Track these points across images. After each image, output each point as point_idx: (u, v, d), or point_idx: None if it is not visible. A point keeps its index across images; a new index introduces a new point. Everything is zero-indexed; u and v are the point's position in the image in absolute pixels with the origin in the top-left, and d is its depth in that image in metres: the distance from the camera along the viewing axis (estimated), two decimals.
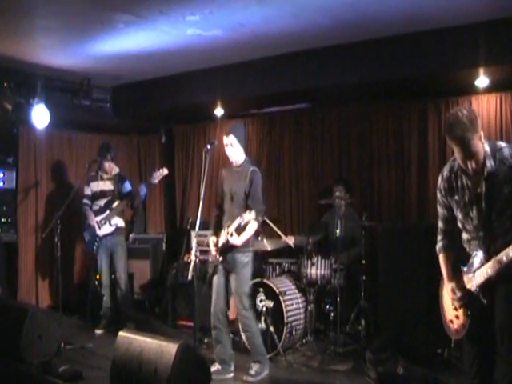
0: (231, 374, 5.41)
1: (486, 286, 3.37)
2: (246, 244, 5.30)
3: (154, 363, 4.21)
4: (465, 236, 3.58)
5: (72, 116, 7.89)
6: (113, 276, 7.02)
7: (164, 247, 8.67)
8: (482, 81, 5.91)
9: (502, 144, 3.40)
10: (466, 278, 3.53)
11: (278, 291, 5.98)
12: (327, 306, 6.33)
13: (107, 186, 7.03)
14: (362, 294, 6.39)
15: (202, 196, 5.29)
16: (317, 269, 6.30)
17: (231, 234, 5.13)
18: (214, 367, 5.32)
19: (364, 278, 6.43)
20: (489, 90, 6.27)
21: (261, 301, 6.08)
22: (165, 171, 6.79)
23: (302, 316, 6.18)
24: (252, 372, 5.30)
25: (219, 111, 7.55)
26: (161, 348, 4.25)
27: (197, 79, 7.22)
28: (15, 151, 7.83)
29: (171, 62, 6.79)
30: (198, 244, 5.36)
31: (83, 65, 6.80)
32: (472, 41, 5.35)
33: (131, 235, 8.63)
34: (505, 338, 3.29)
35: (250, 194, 5.28)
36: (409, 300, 5.77)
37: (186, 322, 7.13)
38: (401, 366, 5.07)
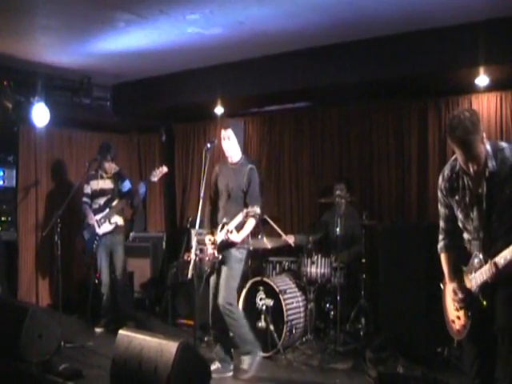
0: (231, 373, 5.40)
1: (486, 287, 3.36)
2: (242, 241, 5.31)
3: (154, 362, 4.21)
4: (466, 236, 3.57)
5: (72, 114, 7.90)
6: (112, 275, 7.02)
7: (164, 246, 8.67)
8: (482, 80, 5.91)
9: (504, 144, 3.38)
10: (466, 279, 3.52)
11: (278, 290, 5.98)
12: (327, 305, 6.33)
13: (107, 184, 7.03)
14: (362, 292, 6.40)
15: (202, 195, 5.28)
16: (317, 267, 6.31)
17: (231, 232, 5.12)
18: (214, 365, 5.32)
19: (364, 276, 6.44)
20: (489, 88, 6.27)
21: (261, 299, 6.08)
22: (164, 169, 6.80)
23: (302, 315, 6.18)
24: (245, 366, 5.26)
25: (219, 110, 7.55)
26: (161, 346, 4.26)
27: (197, 78, 7.22)
28: (15, 150, 7.83)
29: (171, 60, 6.79)
30: (198, 242, 5.35)
31: (83, 63, 6.81)
32: (472, 40, 5.35)
33: (131, 233, 8.64)
34: (505, 339, 3.29)
35: (248, 192, 5.27)
36: (409, 299, 5.77)
37: (185, 320, 7.13)
38: (401, 365, 5.08)
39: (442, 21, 5.38)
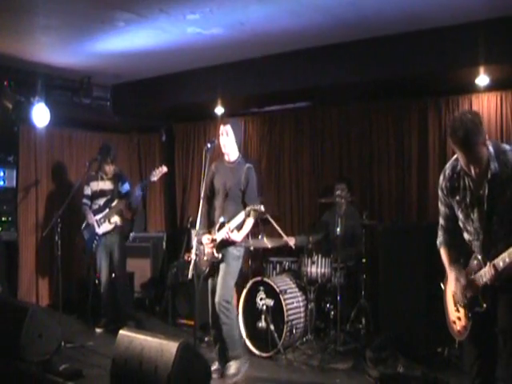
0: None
1: (486, 289, 3.36)
2: (241, 240, 5.30)
3: (154, 362, 4.21)
4: (466, 236, 3.56)
5: (72, 114, 7.90)
6: (112, 275, 7.02)
7: (164, 246, 8.67)
8: (483, 79, 5.91)
9: (507, 147, 3.35)
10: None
11: (278, 290, 5.98)
12: (327, 305, 6.33)
13: (107, 185, 7.03)
14: (363, 292, 6.41)
15: (202, 195, 5.28)
16: (317, 267, 6.31)
17: (232, 231, 5.12)
18: (214, 366, 5.31)
19: (364, 276, 6.44)
20: (489, 88, 6.27)
21: (261, 299, 6.08)
22: (164, 169, 6.80)
23: (302, 314, 6.18)
24: (233, 371, 5.21)
25: (219, 110, 7.56)
26: (161, 346, 4.25)
27: (197, 78, 7.22)
28: (16, 150, 7.83)
29: (171, 60, 6.79)
30: (199, 243, 5.34)
31: (83, 63, 6.80)
32: (472, 40, 5.35)
33: (131, 234, 8.64)
34: (507, 342, 3.28)
35: (246, 192, 5.26)
36: (409, 299, 5.77)
37: (186, 320, 7.14)
38: (401, 364, 5.07)
39: (442, 21, 5.38)
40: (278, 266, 6.91)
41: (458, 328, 3.60)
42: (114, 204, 6.91)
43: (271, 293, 6.02)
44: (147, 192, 9.35)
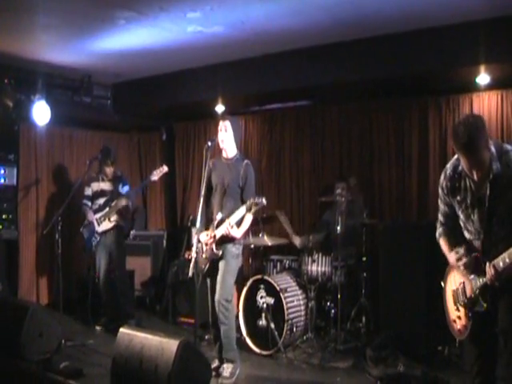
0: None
1: (486, 289, 3.35)
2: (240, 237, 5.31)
3: (154, 360, 4.21)
4: (467, 235, 3.56)
5: (73, 113, 7.90)
6: (112, 273, 7.01)
7: (165, 244, 8.67)
8: (483, 78, 5.91)
9: (509, 147, 3.34)
10: (466, 280, 3.51)
11: (278, 288, 5.98)
12: (328, 303, 6.34)
13: (107, 186, 7.05)
14: (363, 291, 6.41)
15: (202, 193, 5.28)
16: (318, 266, 6.31)
17: (232, 226, 5.11)
18: (214, 364, 5.32)
19: (365, 275, 6.45)
20: (490, 87, 6.27)
21: (261, 297, 6.08)
22: (165, 168, 6.80)
23: (302, 313, 6.18)
24: (227, 374, 5.20)
25: (220, 108, 7.55)
26: (161, 345, 4.26)
27: (197, 76, 7.22)
28: (16, 148, 7.82)
29: (172, 59, 6.79)
30: (198, 241, 5.33)
31: (84, 62, 6.80)
32: (473, 38, 5.34)
33: (132, 232, 8.63)
34: (508, 342, 3.28)
35: (245, 188, 5.26)
36: (409, 297, 5.77)
37: (186, 318, 7.14)
38: (401, 363, 5.07)
39: (443, 19, 5.37)
40: (278, 264, 6.92)
41: (458, 327, 3.60)
42: (113, 203, 6.91)
43: (272, 291, 6.03)
44: (147, 191, 9.35)
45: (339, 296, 6.07)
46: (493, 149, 3.27)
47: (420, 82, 6.56)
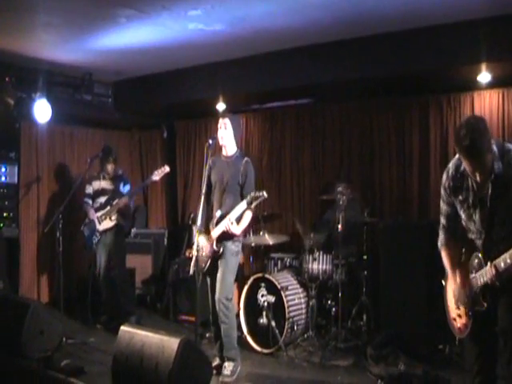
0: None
1: (486, 288, 3.35)
2: (239, 234, 5.31)
3: (155, 358, 4.22)
4: (469, 235, 3.55)
5: (73, 111, 7.89)
6: (112, 271, 7.00)
7: (165, 242, 8.67)
8: (484, 76, 5.90)
9: (511, 146, 3.33)
10: (467, 279, 3.51)
11: (279, 286, 5.98)
12: (329, 302, 6.34)
13: (108, 185, 7.05)
14: (364, 289, 6.41)
15: (203, 191, 5.28)
16: (318, 264, 6.31)
17: (232, 223, 5.10)
18: (215, 362, 5.32)
19: (365, 273, 6.45)
20: (491, 85, 6.25)
21: (262, 296, 6.08)
22: (166, 169, 6.78)
23: (303, 311, 6.19)
24: (227, 372, 5.20)
25: (221, 106, 7.54)
26: (162, 343, 4.26)
27: (198, 74, 7.21)
28: (17, 146, 7.81)
29: (173, 57, 6.78)
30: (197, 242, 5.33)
31: (85, 60, 6.80)
32: (474, 37, 5.33)
33: (133, 230, 8.63)
34: (508, 342, 3.28)
35: (245, 185, 5.26)
36: (410, 296, 5.78)
37: (187, 316, 7.15)
38: (402, 362, 5.07)
39: (444, 18, 5.36)
40: (279, 262, 6.92)
41: (459, 325, 3.60)
42: (114, 202, 6.90)
43: (272, 289, 6.03)
44: (148, 189, 9.35)
45: (340, 294, 6.07)
46: (495, 148, 3.26)
47: (421, 81, 6.55)
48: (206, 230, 5.31)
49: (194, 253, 5.14)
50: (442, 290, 3.80)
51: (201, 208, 5.18)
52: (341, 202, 6.27)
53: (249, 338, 6.13)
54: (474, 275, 3.44)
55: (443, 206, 3.64)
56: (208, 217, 5.38)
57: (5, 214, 7.60)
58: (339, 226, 6.24)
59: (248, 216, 5.26)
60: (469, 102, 6.57)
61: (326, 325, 6.44)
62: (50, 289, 8.13)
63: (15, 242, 7.68)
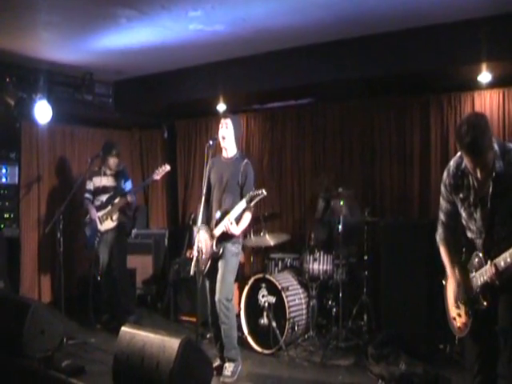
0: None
1: (486, 287, 3.35)
2: (239, 235, 5.30)
3: (156, 358, 4.22)
4: (469, 234, 3.55)
5: (74, 111, 7.89)
6: (114, 271, 7.00)
7: (166, 242, 8.67)
8: (485, 76, 5.89)
9: None
10: (467, 278, 3.51)
11: (280, 287, 5.98)
12: (329, 302, 6.34)
13: (109, 182, 7.01)
14: (364, 289, 6.40)
15: (203, 191, 5.29)
16: (319, 264, 6.31)
17: (231, 223, 5.10)
18: (216, 363, 5.33)
19: (366, 273, 6.44)
20: (491, 85, 6.25)
21: (263, 296, 6.08)
22: (167, 168, 6.77)
23: (304, 311, 6.19)
24: (228, 373, 5.21)
25: (221, 106, 7.55)
26: (163, 343, 4.26)
27: (199, 74, 7.21)
28: (17, 146, 7.82)
29: (173, 57, 6.78)
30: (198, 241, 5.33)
31: (85, 60, 6.80)
32: (474, 36, 5.32)
33: (133, 230, 8.63)
34: (508, 341, 3.28)
35: (244, 187, 5.26)
36: (411, 296, 5.78)
37: (188, 316, 7.15)
38: (403, 361, 5.07)
39: (444, 17, 5.36)
40: (279, 262, 6.92)
41: (459, 324, 3.60)
42: (116, 201, 6.89)
43: (273, 290, 6.03)
44: (149, 189, 9.35)
45: (340, 294, 6.07)
46: (496, 147, 3.26)
47: (421, 80, 6.55)
48: (206, 234, 5.28)
49: (195, 253, 5.15)
50: (442, 290, 3.80)
51: (201, 210, 5.19)
52: (341, 203, 6.28)
53: (249, 339, 6.13)
54: (474, 274, 3.44)
55: (443, 203, 3.65)
56: (208, 218, 5.38)
57: (5, 215, 7.62)
58: (339, 226, 6.25)
59: (247, 217, 5.26)
60: (469, 102, 6.57)
61: (327, 324, 6.45)
62: (51, 289, 8.13)
63: (16, 241, 7.69)
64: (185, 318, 7.19)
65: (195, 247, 5.18)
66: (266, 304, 6.03)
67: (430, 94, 6.81)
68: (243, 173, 5.28)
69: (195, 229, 5.34)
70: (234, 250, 5.29)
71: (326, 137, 7.60)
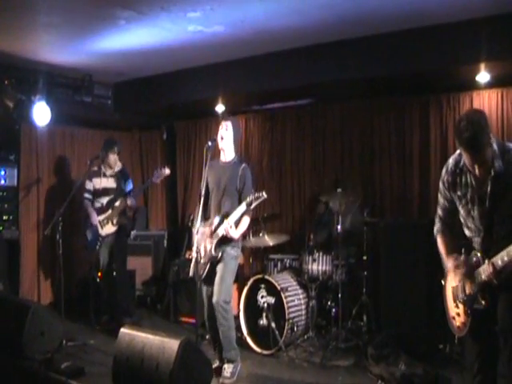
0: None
1: (485, 287, 3.36)
2: (238, 239, 5.30)
3: (155, 359, 4.23)
4: (467, 232, 3.56)
5: (74, 112, 7.89)
6: (114, 273, 7.00)
7: (165, 244, 8.68)
8: (483, 76, 5.90)
9: (511, 145, 3.35)
10: (466, 277, 3.51)
11: (279, 287, 5.98)
12: (329, 302, 6.34)
13: (110, 183, 6.96)
14: (364, 289, 6.40)
15: (203, 192, 5.28)
16: (318, 265, 6.32)
17: (231, 226, 5.10)
18: (215, 364, 5.32)
19: (365, 273, 6.44)
20: (490, 85, 6.26)
21: (262, 297, 6.09)
22: (167, 171, 6.71)
23: (303, 312, 6.19)
24: (227, 374, 5.19)
25: (221, 107, 7.55)
26: (163, 344, 4.27)
27: (198, 75, 7.21)
28: (17, 148, 7.82)
29: (172, 58, 6.79)
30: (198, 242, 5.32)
31: (85, 61, 6.80)
32: (473, 36, 5.33)
33: (133, 232, 8.63)
34: (508, 341, 3.28)
35: (243, 191, 5.25)
36: (410, 296, 5.79)
37: (187, 318, 7.15)
38: (402, 362, 5.07)
39: (443, 17, 5.37)
40: (279, 263, 6.93)
41: (458, 324, 3.60)
42: (116, 204, 6.84)
43: (272, 290, 6.03)
44: (148, 191, 9.35)
45: (340, 295, 6.07)
46: (495, 146, 3.27)
47: (421, 80, 6.55)
48: (204, 238, 5.27)
49: (194, 254, 5.15)
50: (441, 290, 3.80)
51: (199, 214, 5.19)
52: (340, 203, 6.28)
53: (249, 340, 6.13)
54: (472, 274, 3.44)
55: (441, 200, 3.67)
56: (205, 223, 5.38)
57: (5, 217, 7.63)
58: (339, 227, 6.25)
59: (246, 221, 5.25)
60: (468, 102, 6.57)
61: (327, 325, 6.45)
62: (51, 291, 8.13)
63: (15, 243, 7.69)
64: (184, 319, 7.19)
65: (194, 248, 5.18)
66: (266, 305, 6.03)
67: (430, 95, 6.81)
68: (241, 177, 5.27)
69: (194, 230, 5.32)
70: (233, 253, 5.28)
71: (325, 137, 7.61)
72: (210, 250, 5.19)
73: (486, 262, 3.28)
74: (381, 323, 6.20)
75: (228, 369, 5.22)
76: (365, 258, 6.50)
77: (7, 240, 7.52)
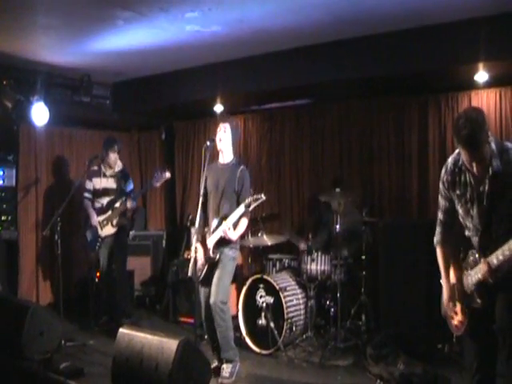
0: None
1: (481, 285, 3.36)
2: (236, 240, 5.30)
3: (154, 359, 4.23)
4: (466, 232, 3.56)
5: (72, 113, 7.89)
6: (113, 273, 6.99)
7: (164, 244, 8.68)
8: (482, 76, 5.90)
9: (510, 145, 3.34)
10: (463, 275, 3.52)
11: (278, 287, 5.98)
12: (327, 302, 6.34)
13: (110, 184, 6.94)
14: (363, 289, 6.41)
15: (201, 192, 5.28)
16: (317, 264, 6.31)
17: (229, 228, 5.10)
18: (214, 364, 5.32)
19: (364, 273, 6.45)
20: (488, 85, 6.26)
21: (261, 297, 6.09)
22: (167, 175, 6.67)
23: (302, 312, 6.19)
24: (226, 374, 5.19)
25: (219, 107, 7.55)
26: (162, 344, 4.27)
27: (197, 75, 7.21)
28: (15, 149, 7.81)
29: (171, 58, 6.79)
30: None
31: (83, 61, 6.80)
32: (471, 36, 5.33)
33: (131, 232, 8.62)
34: (506, 340, 3.29)
35: (241, 193, 5.26)
36: (409, 295, 5.79)
37: (186, 318, 7.16)
38: (401, 361, 5.07)
39: (442, 17, 5.37)
40: (277, 263, 6.92)
41: (455, 323, 3.61)
42: (117, 205, 6.84)
43: (271, 290, 6.03)
44: (147, 191, 9.34)
45: (339, 294, 6.07)
46: (493, 145, 3.27)
47: (419, 80, 6.56)
48: (203, 241, 5.31)
49: (193, 254, 5.15)
50: (440, 290, 3.80)
51: (198, 216, 5.19)
52: (339, 203, 6.29)
53: (247, 339, 6.13)
54: (469, 272, 3.45)
55: (441, 201, 3.66)
56: (204, 224, 5.39)
57: (3, 217, 7.62)
58: (337, 227, 6.25)
59: (244, 223, 5.26)
60: (466, 102, 6.58)
61: (325, 325, 6.45)
62: (50, 291, 8.12)
63: (14, 244, 7.69)
64: (183, 319, 7.20)
65: (193, 248, 5.18)
66: (264, 304, 6.03)
67: (428, 94, 6.82)
68: (239, 179, 5.27)
69: (193, 230, 5.34)
70: (231, 254, 5.29)
71: (324, 137, 7.61)
72: (208, 252, 5.20)
73: (482, 260, 3.29)
74: (380, 323, 6.21)
75: (227, 369, 5.22)
76: (364, 257, 6.50)
77: (6, 240, 7.52)
